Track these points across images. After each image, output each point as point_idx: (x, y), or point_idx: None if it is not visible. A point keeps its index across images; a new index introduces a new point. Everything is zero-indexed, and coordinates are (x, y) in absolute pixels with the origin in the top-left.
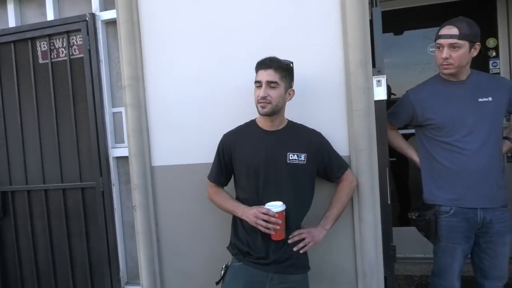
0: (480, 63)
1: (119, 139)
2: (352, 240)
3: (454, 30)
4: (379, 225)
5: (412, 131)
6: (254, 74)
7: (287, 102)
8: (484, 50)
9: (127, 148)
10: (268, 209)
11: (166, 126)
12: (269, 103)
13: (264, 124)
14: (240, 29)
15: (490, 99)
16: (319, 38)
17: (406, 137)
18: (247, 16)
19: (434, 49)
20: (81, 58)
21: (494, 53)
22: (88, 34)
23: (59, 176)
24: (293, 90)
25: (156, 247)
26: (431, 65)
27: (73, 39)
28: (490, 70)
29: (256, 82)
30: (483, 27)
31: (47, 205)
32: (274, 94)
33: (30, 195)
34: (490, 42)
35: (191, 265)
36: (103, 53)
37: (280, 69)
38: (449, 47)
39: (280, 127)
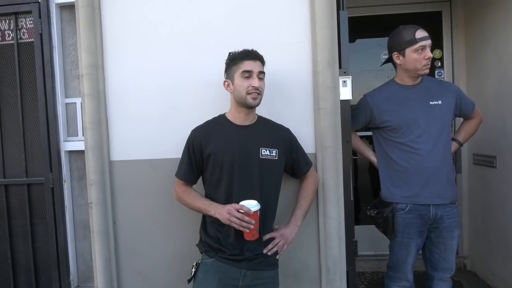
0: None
1: (72, 132)
2: (317, 236)
3: (426, 33)
4: (343, 221)
5: (369, 133)
6: (221, 66)
7: None
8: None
9: (81, 142)
10: (242, 205)
11: (127, 119)
12: (259, 94)
13: (237, 118)
14: (208, 21)
15: (440, 102)
16: (289, 36)
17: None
18: (216, 8)
19: (386, 56)
20: (31, 43)
21: (439, 64)
22: (40, 17)
23: (1, 171)
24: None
25: (113, 247)
26: (384, 72)
27: (22, 21)
28: None
29: (246, 71)
30: (431, 38)
31: None
32: (263, 85)
33: None
34: (436, 53)
35: (151, 266)
36: (57, 39)
37: (263, 61)
38: (429, 47)
39: (253, 122)
